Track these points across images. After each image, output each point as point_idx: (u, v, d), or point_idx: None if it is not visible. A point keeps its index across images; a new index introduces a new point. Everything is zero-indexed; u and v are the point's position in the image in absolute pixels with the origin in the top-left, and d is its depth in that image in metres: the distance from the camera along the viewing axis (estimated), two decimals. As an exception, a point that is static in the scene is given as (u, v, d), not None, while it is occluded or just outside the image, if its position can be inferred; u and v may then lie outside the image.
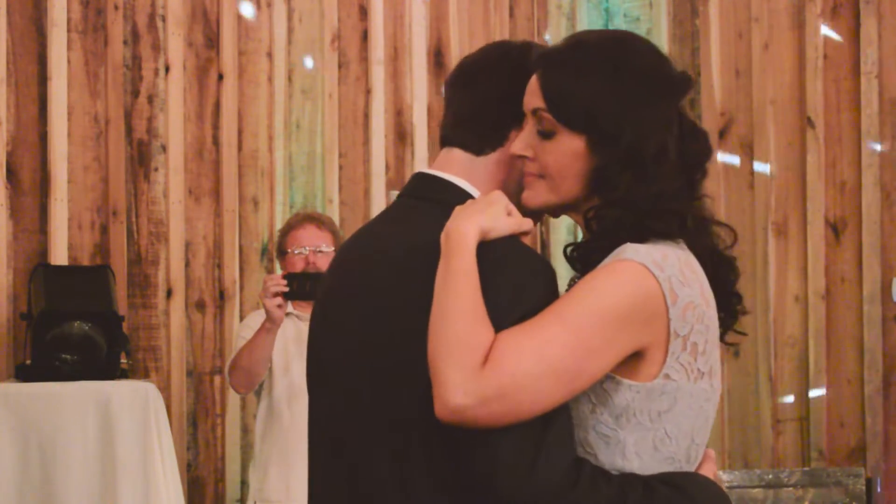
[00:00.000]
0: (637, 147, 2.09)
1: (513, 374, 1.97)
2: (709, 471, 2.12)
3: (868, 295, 5.58)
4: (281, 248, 4.88)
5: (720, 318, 2.16)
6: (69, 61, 5.22)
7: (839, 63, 5.69)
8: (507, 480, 1.97)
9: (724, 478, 5.44)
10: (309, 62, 5.66)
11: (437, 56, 5.84)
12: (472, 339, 1.98)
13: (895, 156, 5.61)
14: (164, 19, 5.40)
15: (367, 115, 5.74)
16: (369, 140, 5.73)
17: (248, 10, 5.57)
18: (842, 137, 5.67)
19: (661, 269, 2.04)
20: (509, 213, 2.11)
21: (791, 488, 5.41)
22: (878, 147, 5.61)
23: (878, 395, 5.56)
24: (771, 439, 5.66)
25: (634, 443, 2.07)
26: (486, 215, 2.07)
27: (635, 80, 2.12)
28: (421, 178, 2.25)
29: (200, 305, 5.43)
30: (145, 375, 5.24)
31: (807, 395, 5.64)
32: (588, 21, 6.09)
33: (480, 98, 2.23)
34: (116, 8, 5.31)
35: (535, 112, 2.15)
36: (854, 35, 5.67)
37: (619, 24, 6.11)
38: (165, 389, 5.22)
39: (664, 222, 2.09)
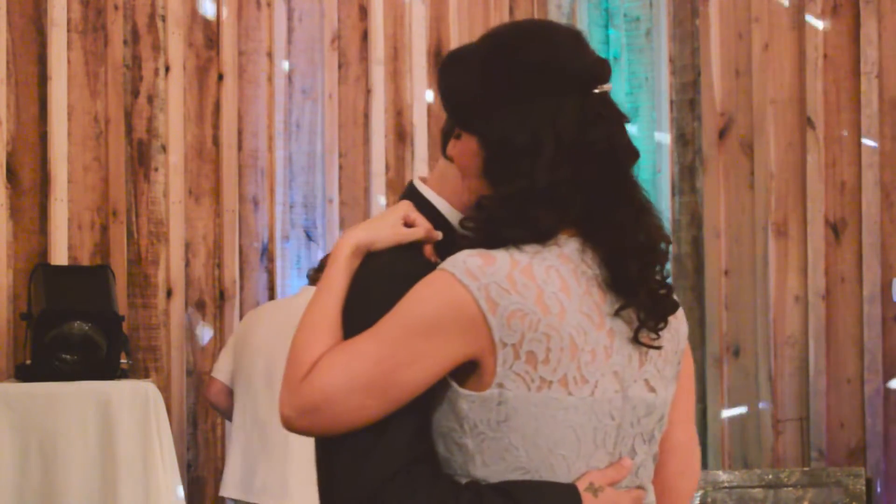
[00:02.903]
0: (506, 142, 2.06)
1: (322, 389, 2.03)
2: (585, 479, 2.06)
3: (868, 295, 5.58)
4: None
5: (639, 316, 2.08)
6: (69, 61, 5.22)
7: (839, 63, 5.69)
8: (340, 486, 2.05)
9: (725, 478, 5.45)
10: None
11: (437, 56, 5.84)
12: (302, 354, 2.06)
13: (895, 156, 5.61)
14: (164, 19, 5.40)
15: (367, 115, 5.74)
16: (369, 140, 5.73)
17: (248, 10, 5.58)
18: (842, 137, 5.67)
19: (474, 277, 2.01)
20: (409, 224, 2.14)
21: (791, 488, 5.41)
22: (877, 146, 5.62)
23: (878, 395, 5.56)
24: (771, 439, 5.66)
25: (481, 451, 2.06)
26: (368, 229, 2.13)
27: (509, 74, 2.08)
28: (406, 187, 2.29)
29: (200, 305, 5.43)
30: (145, 375, 5.24)
31: (807, 395, 5.64)
32: (588, 21, 6.10)
33: None
34: (116, 8, 5.31)
35: None
36: (854, 35, 5.67)
37: (619, 24, 6.11)
38: (165, 389, 5.22)
39: (513, 229, 2.05)
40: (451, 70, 2.14)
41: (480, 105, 2.09)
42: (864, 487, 5.40)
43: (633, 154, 2.11)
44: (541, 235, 2.05)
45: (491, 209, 2.05)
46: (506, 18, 5.96)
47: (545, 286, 2.02)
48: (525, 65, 2.07)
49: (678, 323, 2.19)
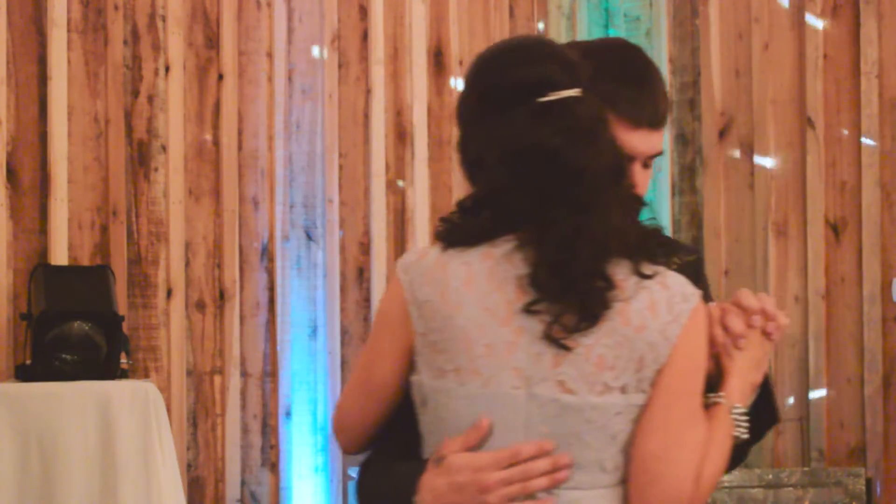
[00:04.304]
0: (462, 158, 2.23)
1: (338, 406, 2.31)
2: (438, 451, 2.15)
3: (868, 295, 5.58)
4: None
5: (553, 314, 2.08)
6: (69, 61, 5.22)
7: (839, 63, 5.69)
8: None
9: (724, 478, 5.43)
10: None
11: (437, 56, 5.84)
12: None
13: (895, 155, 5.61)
14: (164, 19, 5.40)
15: (367, 115, 5.73)
16: (369, 140, 5.72)
17: (248, 10, 5.57)
18: (842, 137, 5.67)
19: (406, 271, 2.17)
20: None
21: (791, 488, 5.41)
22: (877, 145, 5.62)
23: (878, 395, 5.56)
24: (771, 439, 5.66)
25: (423, 433, 2.20)
26: None
27: (468, 98, 2.23)
28: None
29: (200, 305, 5.43)
30: (145, 375, 5.23)
31: (807, 395, 5.64)
32: (588, 21, 6.09)
33: None
34: (116, 8, 5.31)
35: None
36: (854, 35, 5.67)
37: (618, 24, 6.11)
38: (165, 389, 5.22)
39: (447, 233, 2.18)
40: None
41: (459, 127, 2.25)
42: (864, 487, 5.40)
43: (581, 157, 2.11)
44: (465, 240, 2.15)
45: (452, 213, 2.21)
46: (506, 18, 5.96)
47: (451, 280, 2.12)
48: (478, 87, 2.21)
49: (642, 333, 2.10)
